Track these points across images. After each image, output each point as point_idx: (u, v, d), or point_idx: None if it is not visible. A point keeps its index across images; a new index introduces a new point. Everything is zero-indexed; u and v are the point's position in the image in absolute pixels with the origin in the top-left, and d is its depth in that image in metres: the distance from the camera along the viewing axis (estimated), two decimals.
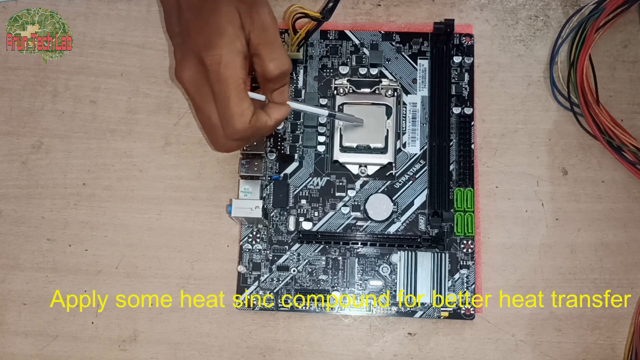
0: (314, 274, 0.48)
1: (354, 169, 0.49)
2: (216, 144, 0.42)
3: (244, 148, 0.48)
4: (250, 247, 0.49)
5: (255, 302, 0.48)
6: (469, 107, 0.50)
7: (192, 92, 0.40)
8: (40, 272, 0.49)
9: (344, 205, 0.49)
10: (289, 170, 0.50)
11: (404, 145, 0.50)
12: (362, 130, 0.48)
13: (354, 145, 0.49)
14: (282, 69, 0.40)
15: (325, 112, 0.45)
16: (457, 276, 0.48)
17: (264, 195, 0.49)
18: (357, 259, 0.48)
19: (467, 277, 0.48)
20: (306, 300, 0.48)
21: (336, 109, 0.49)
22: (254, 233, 0.49)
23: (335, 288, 0.48)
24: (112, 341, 0.48)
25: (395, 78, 0.51)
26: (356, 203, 0.49)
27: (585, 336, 0.48)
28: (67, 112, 0.52)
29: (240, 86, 0.38)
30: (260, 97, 0.42)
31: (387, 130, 0.49)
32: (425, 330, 0.48)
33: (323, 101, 0.50)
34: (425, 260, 0.48)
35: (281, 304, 0.48)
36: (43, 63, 0.52)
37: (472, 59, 0.50)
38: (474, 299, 0.47)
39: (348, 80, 0.50)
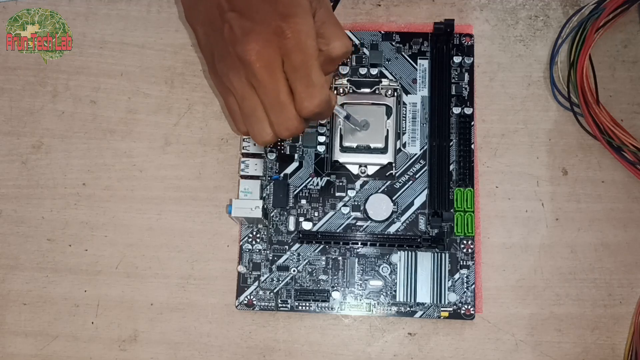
0: (314, 274, 0.48)
1: (354, 169, 0.49)
2: (280, 126, 0.39)
3: (244, 147, 0.49)
4: (250, 247, 0.49)
5: (255, 302, 0.48)
6: (469, 107, 0.50)
7: (260, 66, 0.37)
8: (40, 272, 0.49)
9: (344, 205, 0.49)
10: (289, 170, 0.50)
11: (404, 145, 0.50)
12: (362, 130, 0.48)
13: (354, 145, 0.49)
14: (348, 48, 0.40)
15: (344, 112, 0.45)
16: (457, 276, 0.48)
17: (264, 195, 0.49)
18: (357, 259, 0.48)
19: (467, 277, 0.48)
20: (306, 300, 0.48)
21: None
22: (254, 233, 0.49)
23: (335, 288, 0.48)
24: (112, 341, 0.48)
25: (395, 78, 0.51)
26: (356, 203, 0.49)
27: (585, 336, 0.48)
28: (67, 112, 0.52)
29: (319, 58, 0.37)
30: None
31: (387, 130, 0.49)
32: (425, 330, 0.48)
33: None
34: (425, 260, 0.48)
35: (281, 304, 0.48)
36: (43, 63, 0.52)
37: (472, 59, 0.50)
38: (474, 299, 0.47)
39: (348, 80, 0.50)
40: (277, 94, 0.37)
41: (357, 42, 0.51)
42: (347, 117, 0.45)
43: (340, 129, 0.49)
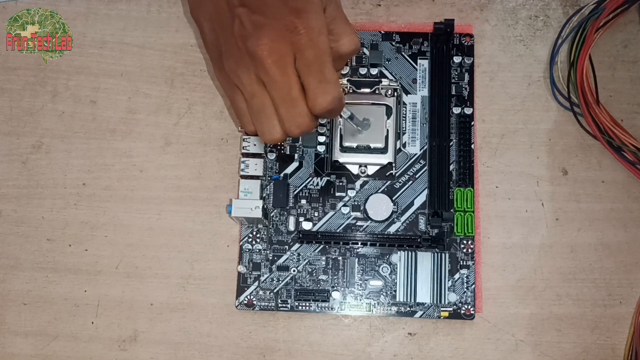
0: (314, 274, 0.48)
1: (354, 169, 0.49)
2: (290, 123, 0.38)
3: (244, 147, 0.49)
4: (250, 247, 0.49)
5: (255, 302, 0.48)
6: (469, 107, 0.50)
7: (272, 61, 0.36)
8: (40, 272, 0.49)
9: (344, 205, 0.49)
10: (289, 170, 0.50)
11: (404, 145, 0.50)
12: (362, 131, 0.48)
13: (354, 145, 0.49)
14: (357, 45, 0.39)
15: (348, 112, 0.45)
16: (457, 276, 0.48)
17: (264, 195, 0.49)
18: (357, 259, 0.48)
19: (467, 277, 0.48)
20: (306, 300, 0.48)
21: None
22: (254, 233, 0.49)
23: (335, 288, 0.48)
24: (112, 341, 0.48)
25: (395, 78, 0.51)
26: (356, 203, 0.49)
27: (585, 336, 0.48)
28: (67, 112, 0.52)
29: (331, 55, 0.37)
30: None
31: (387, 130, 0.49)
32: (425, 330, 0.48)
33: None
34: (425, 260, 0.48)
35: (281, 304, 0.48)
36: (43, 63, 0.52)
37: (472, 59, 0.50)
38: (474, 299, 0.47)
39: (348, 80, 0.50)
40: (289, 90, 0.37)
41: None
42: (351, 118, 0.45)
43: (341, 129, 0.49)
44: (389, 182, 0.49)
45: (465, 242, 0.48)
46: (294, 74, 0.37)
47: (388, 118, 0.49)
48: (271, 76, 0.37)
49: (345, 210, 0.49)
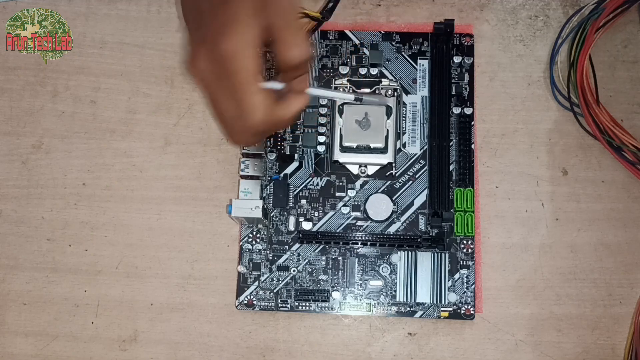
0: (314, 274, 0.48)
1: (354, 169, 0.49)
2: (233, 139, 0.39)
3: (243, 147, 0.49)
4: (250, 247, 0.49)
5: (255, 302, 0.48)
6: (469, 107, 0.50)
7: (204, 85, 0.36)
8: (40, 272, 0.49)
9: (344, 205, 0.49)
10: (289, 170, 0.50)
11: (404, 145, 0.50)
12: (362, 130, 0.48)
13: (354, 145, 0.49)
14: (302, 56, 0.36)
15: (351, 96, 0.43)
16: (457, 276, 0.48)
17: (264, 195, 0.49)
18: (357, 259, 0.48)
19: (467, 277, 0.48)
20: (306, 300, 0.48)
21: (336, 109, 0.49)
22: (254, 233, 0.49)
23: (335, 288, 0.48)
24: (112, 341, 0.48)
25: (395, 78, 0.51)
26: (356, 203, 0.49)
27: (585, 336, 0.48)
28: (67, 112, 0.52)
29: (253, 78, 0.35)
30: (278, 85, 0.38)
31: (387, 130, 0.49)
32: (425, 330, 0.48)
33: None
34: (425, 260, 0.48)
35: (281, 304, 0.48)
36: (43, 63, 0.52)
37: (472, 59, 0.50)
38: (474, 299, 0.47)
39: (348, 80, 0.50)
40: (223, 112, 0.37)
41: (357, 42, 0.51)
42: (359, 100, 0.44)
43: (341, 128, 0.49)
44: (389, 182, 0.49)
45: (465, 242, 0.48)
46: (226, 94, 0.36)
47: (388, 118, 0.49)
48: (207, 96, 0.37)
49: (345, 210, 0.49)
